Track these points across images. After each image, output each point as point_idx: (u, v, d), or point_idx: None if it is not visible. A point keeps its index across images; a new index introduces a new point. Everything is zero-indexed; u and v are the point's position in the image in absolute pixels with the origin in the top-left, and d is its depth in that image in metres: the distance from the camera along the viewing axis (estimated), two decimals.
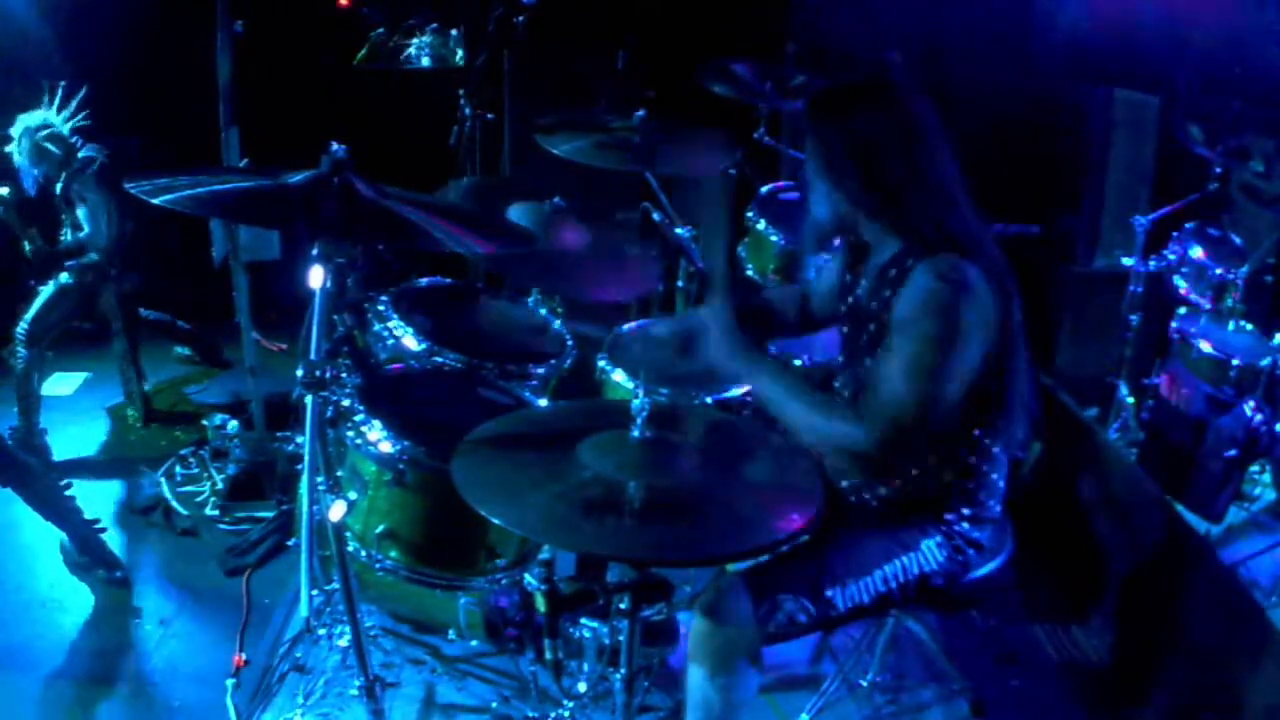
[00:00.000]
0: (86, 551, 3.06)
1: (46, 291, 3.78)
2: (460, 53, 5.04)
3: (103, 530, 3.14)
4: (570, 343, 2.97)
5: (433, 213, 2.14)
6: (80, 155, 3.71)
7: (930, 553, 2.11)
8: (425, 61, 5.12)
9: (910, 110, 2.00)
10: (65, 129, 3.69)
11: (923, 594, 2.13)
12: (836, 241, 2.28)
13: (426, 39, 5.09)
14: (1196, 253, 3.78)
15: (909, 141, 1.98)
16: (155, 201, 1.96)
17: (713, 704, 2.02)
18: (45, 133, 3.65)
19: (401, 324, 2.79)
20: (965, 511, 2.14)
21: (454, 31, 5.09)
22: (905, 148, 1.98)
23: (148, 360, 4.41)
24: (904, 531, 2.12)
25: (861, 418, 1.93)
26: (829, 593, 2.03)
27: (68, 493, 3.07)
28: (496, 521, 1.71)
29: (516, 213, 2.78)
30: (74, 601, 3.01)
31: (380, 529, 2.37)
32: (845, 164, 2.00)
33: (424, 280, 3.07)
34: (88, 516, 3.11)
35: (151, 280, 4.08)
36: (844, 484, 2.21)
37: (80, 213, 3.75)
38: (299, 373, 2.01)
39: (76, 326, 4.19)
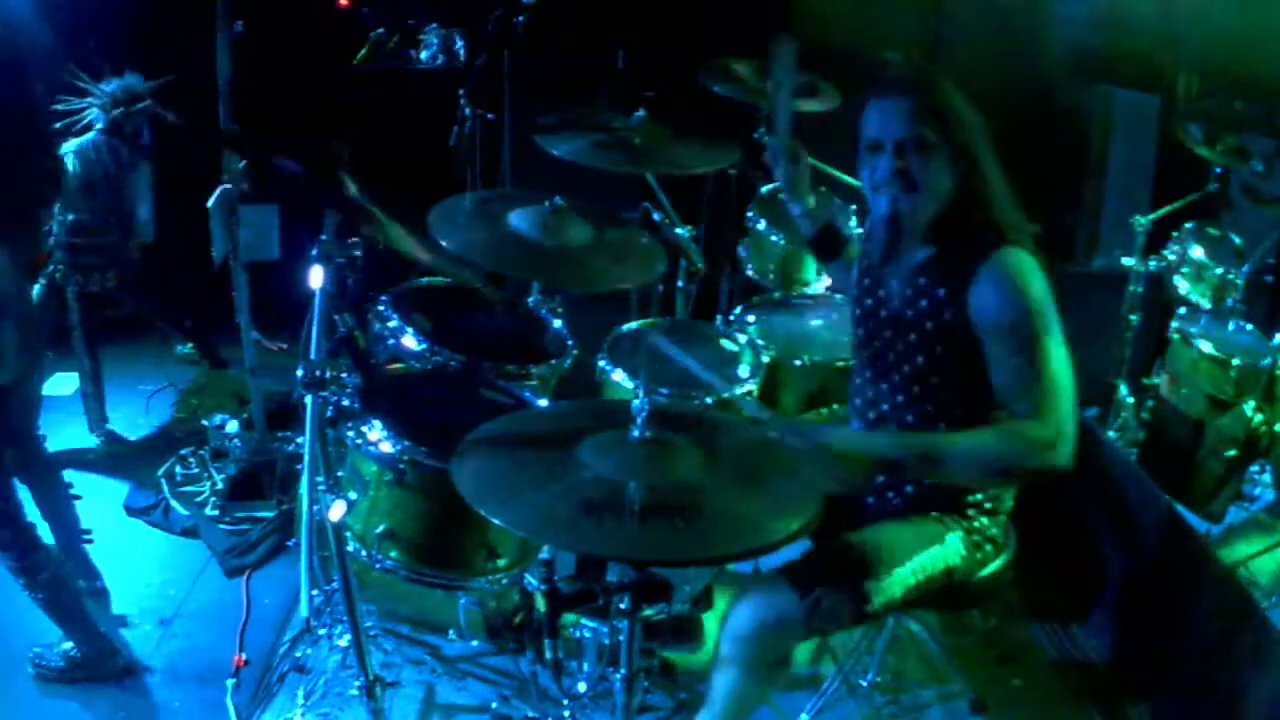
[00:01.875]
0: (70, 559, 3.04)
1: (37, 291, 3.78)
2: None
3: (90, 542, 3.12)
4: (570, 343, 2.98)
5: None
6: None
7: (954, 547, 2.12)
8: (425, 55, 5.12)
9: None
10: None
11: (944, 589, 2.14)
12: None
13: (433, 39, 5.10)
14: (1196, 253, 3.78)
15: (989, 138, 2.04)
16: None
17: (745, 700, 2.05)
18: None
19: (401, 324, 2.79)
20: (987, 505, 2.16)
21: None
22: (990, 144, 2.04)
23: (148, 360, 4.42)
24: (928, 525, 2.13)
25: (1033, 416, 1.86)
26: (866, 585, 2.04)
27: (73, 499, 3.07)
28: (496, 522, 1.71)
29: (517, 217, 2.78)
30: None
31: (381, 529, 2.37)
32: (970, 147, 2.00)
33: (424, 280, 3.07)
34: (87, 522, 3.10)
35: (151, 281, 4.08)
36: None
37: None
38: (299, 373, 2.01)
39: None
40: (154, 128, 3.86)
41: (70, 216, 3.70)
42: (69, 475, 3.24)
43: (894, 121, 1.99)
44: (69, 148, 3.67)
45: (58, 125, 3.58)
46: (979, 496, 2.16)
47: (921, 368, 2.06)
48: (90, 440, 3.93)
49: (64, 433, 3.88)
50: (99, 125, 3.71)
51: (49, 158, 2.87)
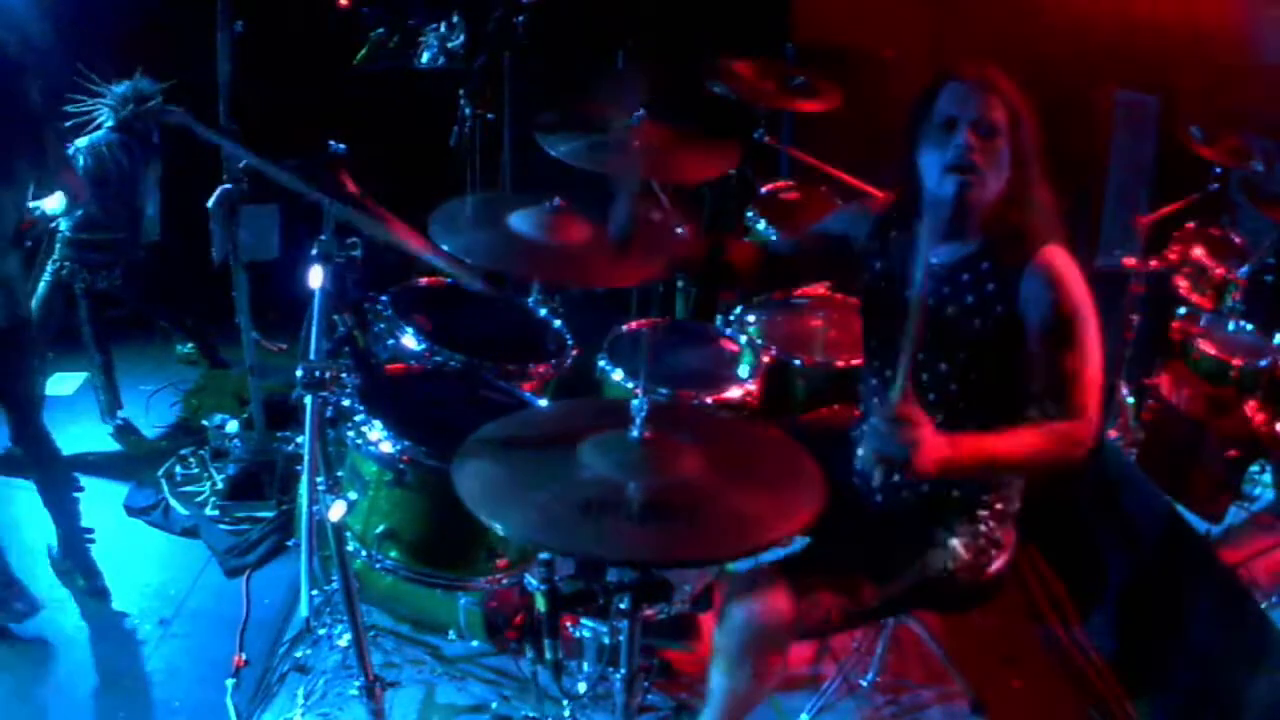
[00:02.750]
0: (70, 556, 3.04)
1: (42, 289, 3.79)
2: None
3: (92, 541, 3.11)
4: (570, 342, 2.98)
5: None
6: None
7: (958, 551, 2.12)
8: (426, 57, 5.12)
9: None
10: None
11: (947, 590, 2.14)
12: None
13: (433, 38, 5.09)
14: (1196, 253, 3.78)
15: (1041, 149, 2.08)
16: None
17: (742, 697, 2.04)
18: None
19: (401, 324, 2.79)
20: (997, 506, 2.15)
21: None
22: (1042, 154, 2.08)
23: (149, 360, 4.42)
24: (935, 529, 2.14)
25: (1071, 417, 1.96)
26: (866, 588, 2.05)
27: (77, 494, 3.07)
28: (494, 526, 1.71)
29: (517, 218, 2.78)
30: (74, 602, 3.01)
31: (380, 529, 2.37)
32: (1034, 146, 2.05)
33: (424, 280, 3.07)
34: (86, 522, 3.10)
35: (154, 279, 4.09)
36: (874, 484, 2.21)
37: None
38: (299, 373, 2.01)
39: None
40: (161, 128, 3.88)
41: (79, 211, 3.72)
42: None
43: (973, 102, 2.02)
44: (81, 143, 3.70)
45: (68, 125, 3.62)
46: (990, 496, 2.16)
47: (963, 363, 2.07)
48: (91, 440, 3.93)
49: (66, 432, 3.86)
50: (108, 124, 3.74)
51: (32, 116, 2.88)
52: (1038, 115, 2.06)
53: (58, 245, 3.76)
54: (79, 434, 3.92)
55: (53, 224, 3.69)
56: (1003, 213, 2.05)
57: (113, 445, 3.93)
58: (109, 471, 3.71)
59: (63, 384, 4.23)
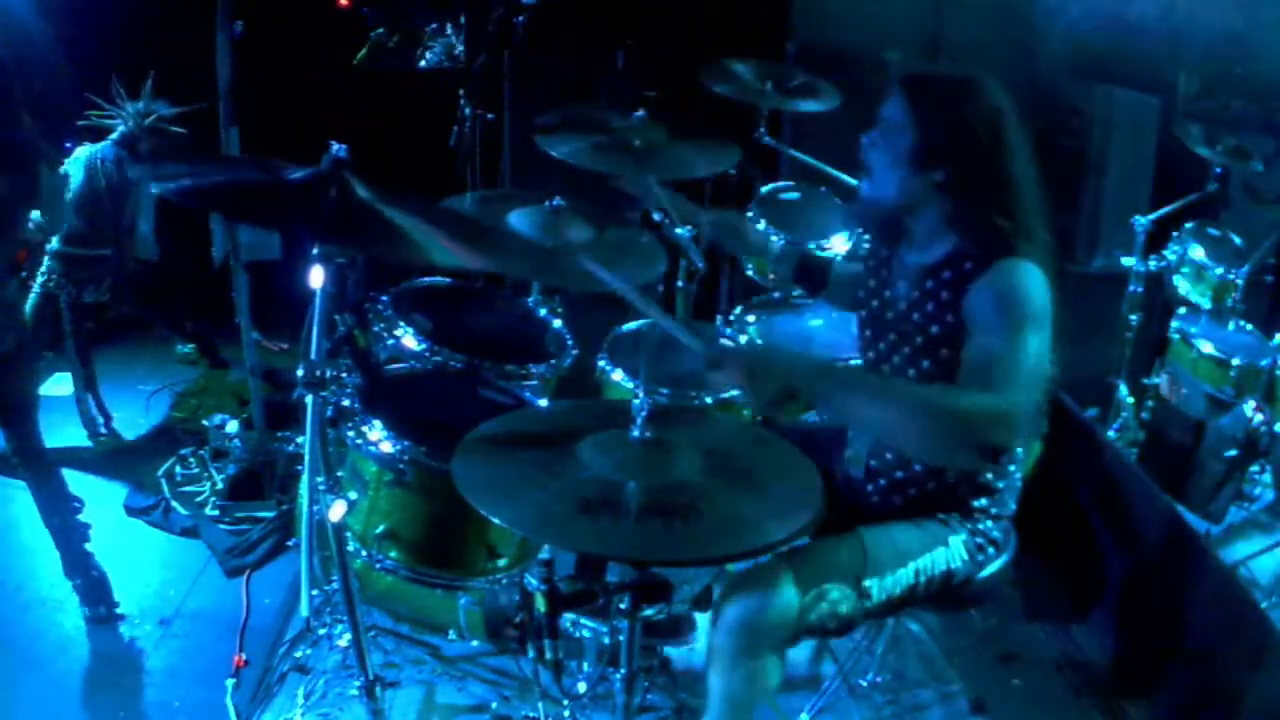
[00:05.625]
0: (65, 557, 2.99)
1: (33, 299, 3.79)
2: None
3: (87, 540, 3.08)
4: (570, 342, 2.98)
5: (432, 222, 2.12)
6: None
7: (957, 550, 2.13)
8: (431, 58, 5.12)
9: (1003, 108, 2.02)
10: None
11: (942, 591, 2.13)
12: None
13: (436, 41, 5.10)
14: (1196, 253, 3.79)
15: (1003, 137, 2.01)
16: (154, 190, 1.92)
17: (741, 697, 2.02)
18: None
19: (401, 324, 2.79)
20: (993, 510, 2.16)
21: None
22: (999, 143, 2.01)
23: (148, 360, 4.42)
24: (933, 526, 2.13)
25: (986, 393, 1.82)
26: (867, 582, 2.04)
27: (78, 511, 3.05)
28: (496, 520, 1.71)
29: (517, 217, 2.79)
30: (74, 602, 3.00)
31: (381, 529, 2.37)
32: (942, 150, 1.99)
33: (424, 280, 3.07)
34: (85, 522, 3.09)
35: (149, 293, 4.08)
36: (869, 487, 2.22)
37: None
38: (299, 373, 2.01)
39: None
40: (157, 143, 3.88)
41: (67, 225, 3.72)
42: (68, 475, 3.22)
43: (884, 104, 2.03)
44: (78, 156, 3.69)
45: (81, 124, 3.62)
46: (984, 501, 2.16)
47: (927, 372, 2.06)
48: (90, 442, 3.93)
49: (64, 432, 3.87)
50: (115, 134, 3.74)
51: (25, 164, 2.88)
52: (997, 122, 2.00)
53: (45, 257, 3.75)
54: (78, 434, 3.93)
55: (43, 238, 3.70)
56: (965, 218, 2.01)
57: (112, 446, 3.93)
58: (109, 471, 3.71)
59: (61, 384, 4.22)
